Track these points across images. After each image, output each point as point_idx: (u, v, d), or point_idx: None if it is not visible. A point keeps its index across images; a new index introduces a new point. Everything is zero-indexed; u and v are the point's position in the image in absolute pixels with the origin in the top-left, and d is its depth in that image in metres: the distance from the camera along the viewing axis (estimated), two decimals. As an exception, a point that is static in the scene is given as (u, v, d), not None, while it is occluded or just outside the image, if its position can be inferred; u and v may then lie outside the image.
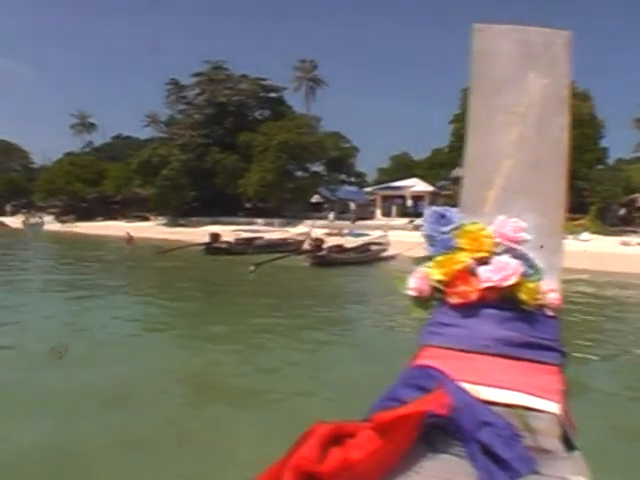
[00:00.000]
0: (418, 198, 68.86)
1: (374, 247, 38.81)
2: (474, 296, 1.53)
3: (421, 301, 1.63)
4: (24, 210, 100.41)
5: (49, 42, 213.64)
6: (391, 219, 62.84)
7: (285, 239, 44.28)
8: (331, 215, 65.60)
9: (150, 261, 37.09)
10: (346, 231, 52.07)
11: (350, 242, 40.32)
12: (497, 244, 1.59)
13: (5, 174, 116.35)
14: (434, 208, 1.70)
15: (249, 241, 44.43)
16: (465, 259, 1.55)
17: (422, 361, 1.45)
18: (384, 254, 38.25)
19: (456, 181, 60.71)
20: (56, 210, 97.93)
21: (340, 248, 36.85)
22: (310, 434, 1.19)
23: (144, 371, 11.45)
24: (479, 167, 1.80)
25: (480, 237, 1.58)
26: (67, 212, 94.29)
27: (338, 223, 59.59)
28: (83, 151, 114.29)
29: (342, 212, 71.42)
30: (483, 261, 1.55)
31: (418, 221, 59.17)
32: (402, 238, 41.57)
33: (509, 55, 1.84)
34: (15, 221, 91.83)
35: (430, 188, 68.13)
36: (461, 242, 1.59)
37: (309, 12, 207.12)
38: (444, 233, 1.63)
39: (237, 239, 44.61)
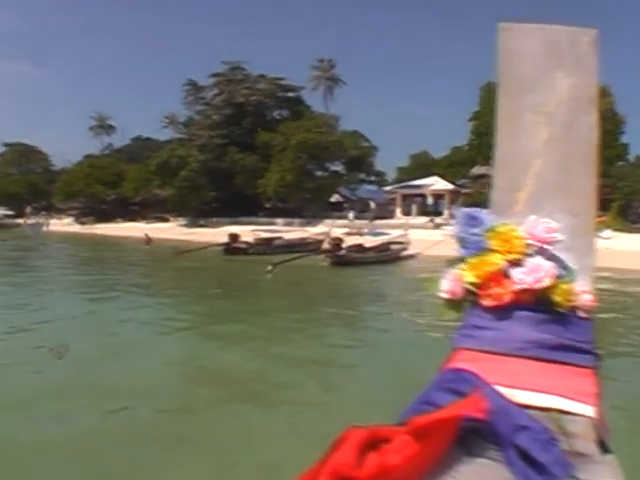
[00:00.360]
0: (438, 196, 68.74)
1: (394, 246, 38.62)
2: (507, 298, 1.51)
3: (454, 303, 1.61)
4: (44, 212, 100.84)
5: (68, 46, 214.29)
6: (411, 218, 62.61)
7: (304, 239, 44.12)
8: (350, 214, 65.56)
9: (168, 262, 37.30)
10: (366, 230, 51.97)
11: (370, 241, 40.04)
12: (529, 245, 1.57)
13: (25, 177, 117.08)
14: (465, 209, 1.68)
15: (268, 241, 44.42)
16: (498, 261, 1.53)
17: (456, 364, 1.44)
18: (404, 253, 38.16)
19: (476, 179, 60.49)
20: (76, 212, 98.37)
21: (360, 247, 36.70)
22: (344, 439, 1.17)
23: (163, 369, 11.75)
24: (509, 167, 1.79)
25: (512, 238, 1.56)
26: (87, 214, 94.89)
27: (358, 222, 59.47)
28: (103, 153, 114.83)
29: (362, 211, 71.32)
30: (515, 263, 1.54)
31: (438, 220, 59.01)
32: (422, 237, 41.47)
33: (535, 54, 1.82)
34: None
35: (450, 186, 67.91)
36: (493, 244, 1.57)
37: (326, 11, 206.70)
38: (475, 235, 1.61)
39: (256, 239, 44.58)
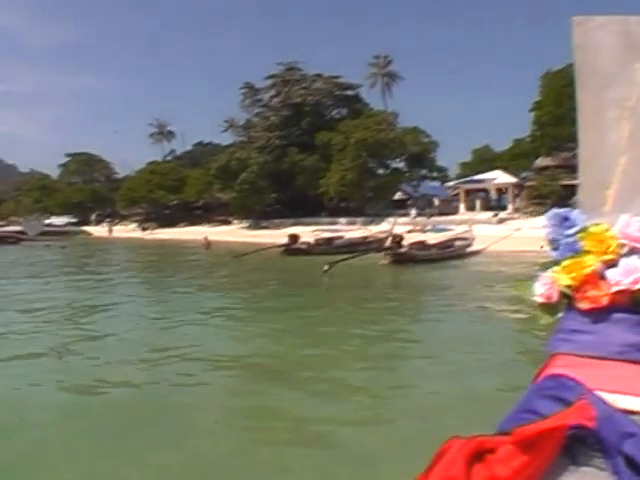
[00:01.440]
0: (501, 190, 67.91)
1: (458, 242, 37.97)
2: (605, 301, 1.47)
3: (549, 307, 1.57)
4: (108, 219, 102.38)
5: (127, 57, 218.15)
6: (475, 213, 61.90)
7: (366, 238, 43.71)
8: (412, 211, 65.22)
9: (225, 265, 37.11)
10: (428, 227, 51.61)
11: (432, 238, 39.55)
12: (622, 245, 1.52)
13: (89, 185, 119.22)
14: (556, 210, 1.63)
15: (329, 241, 44.34)
16: (593, 262, 1.49)
17: (554, 370, 1.40)
18: (468, 249, 37.62)
19: (540, 171, 59.61)
20: (139, 218, 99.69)
21: (422, 244, 36.24)
22: (448, 450, 1.14)
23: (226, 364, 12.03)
24: (594, 165, 1.73)
25: (606, 239, 1.51)
26: (150, 219, 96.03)
27: (420, 219, 59.10)
28: (165, 160, 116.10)
29: (425, 208, 70.87)
30: (610, 264, 1.49)
31: (502, 214, 58.31)
32: (487, 232, 40.97)
33: (612, 47, 1.76)
34: (99, 230, 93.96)
35: (513, 179, 66.81)
36: (587, 245, 1.53)
37: (382, 7, 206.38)
38: (569, 236, 1.57)
39: (317, 239, 44.46)
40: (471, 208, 66.98)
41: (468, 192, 70.21)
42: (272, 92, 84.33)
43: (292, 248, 41.91)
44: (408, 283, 26.88)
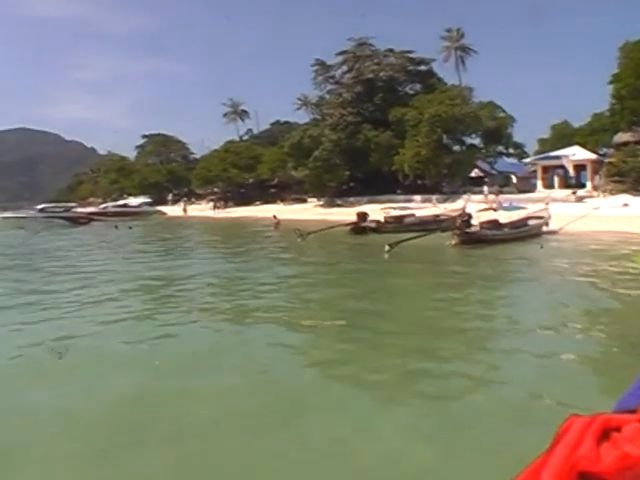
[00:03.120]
0: (579, 167, 65.00)
1: (532, 221, 35.85)
2: None
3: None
4: (184, 199, 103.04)
5: (202, 40, 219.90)
6: (552, 191, 59.45)
7: (437, 216, 42.03)
8: (485, 189, 63.05)
9: (286, 245, 36.42)
10: (505, 204, 49.69)
11: (505, 217, 37.47)
12: None
13: (165, 166, 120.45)
14: None
15: (399, 219, 42.47)
16: None
17: None
18: (544, 229, 35.59)
19: (619, 147, 56.73)
20: (215, 197, 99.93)
21: (493, 223, 33.90)
22: (570, 428, 1.05)
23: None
24: None
25: None
26: (225, 198, 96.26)
27: (492, 197, 56.93)
28: (242, 139, 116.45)
29: (503, 185, 68.84)
30: None
31: (581, 192, 55.82)
32: (564, 211, 39.08)
33: None
34: (174, 209, 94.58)
35: (592, 156, 63.28)
36: None
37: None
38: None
39: (386, 217, 42.94)
40: (549, 186, 63.96)
41: (545, 169, 67.01)
42: (344, 68, 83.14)
43: (360, 226, 40.40)
44: (474, 268, 24.93)
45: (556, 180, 65.16)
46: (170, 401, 9.09)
